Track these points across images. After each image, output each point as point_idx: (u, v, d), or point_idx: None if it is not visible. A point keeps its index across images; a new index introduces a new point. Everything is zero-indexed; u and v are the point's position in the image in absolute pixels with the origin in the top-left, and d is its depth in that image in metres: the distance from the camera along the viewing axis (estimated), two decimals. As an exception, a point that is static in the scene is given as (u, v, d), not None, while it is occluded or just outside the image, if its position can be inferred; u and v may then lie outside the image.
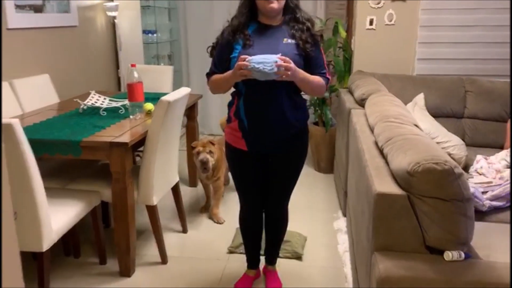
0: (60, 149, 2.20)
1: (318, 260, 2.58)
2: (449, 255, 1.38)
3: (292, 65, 1.74)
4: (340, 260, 2.56)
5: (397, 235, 1.44)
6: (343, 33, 3.89)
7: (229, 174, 3.37)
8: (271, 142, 1.95)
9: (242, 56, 1.73)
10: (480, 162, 2.57)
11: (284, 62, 1.71)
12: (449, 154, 2.81)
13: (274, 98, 1.86)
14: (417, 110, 3.16)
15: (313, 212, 3.23)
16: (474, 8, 3.52)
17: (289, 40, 1.87)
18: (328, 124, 3.87)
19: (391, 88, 3.22)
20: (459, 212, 1.37)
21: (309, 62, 1.89)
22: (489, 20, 3.52)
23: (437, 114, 3.32)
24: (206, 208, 3.23)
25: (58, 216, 2.08)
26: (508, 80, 3.34)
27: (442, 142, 2.84)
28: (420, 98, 3.25)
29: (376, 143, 1.95)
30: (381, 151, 1.83)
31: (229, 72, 1.84)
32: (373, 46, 3.69)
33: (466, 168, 2.79)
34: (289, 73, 1.72)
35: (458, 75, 3.53)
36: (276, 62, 1.68)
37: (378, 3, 3.59)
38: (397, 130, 1.81)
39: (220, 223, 3.02)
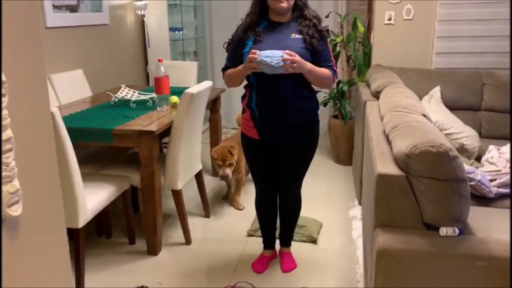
0: (94, 137, 2.42)
1: (332, 244, 2.72)
2: (444, 230, 1.50)
3: (298, 58, 1.89)
4: (354, 244, 2.69)
5: (397, 212, 1.57)
6: (361, 28, 3.99)
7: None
8: (279, 131, 2.11)
9: (252, 50, 1.89)
10: (492, 152, 2.64)
11: (290, 56, 1.87)
12: (463, 145, 2.89)
13: (282, 90, 2.02)
14: (433, 103, 3.24)
15: (330, 201, 3.37)
16: (492, 2, 3.55)
17: (297, 35, 2.02)
18: (347, 117, 3.98)
19: (408, 81, 3.31)
20: (453, 191, 1.49)
21: (316, 55, 2.04)
22: (507, 13, 3.54)
23: (454, 106, 3.38)
24: (227, 196, 3.41)
25: (92, 197, 2.30)
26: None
27: (456, 133, 2.91)
28: (436, 91, 3.32)
29: (384, 131, 2.07)
30: (387, 138, 1.95)
31: (241, 65, 2.01)
32: (391, 40, 3.77)
33: (479, 158, 2.86)
34: (294, 65, 1.88)
35: (476, 68, 3.58)
36: (282, 57, 1.84)
37: (397, -1, 3.67)
38: (403, 119, 1.93)
39: (240, 209, 3.20)
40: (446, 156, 1.47)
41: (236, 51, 2.09)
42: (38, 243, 1.02)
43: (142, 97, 3.07)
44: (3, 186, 0.85)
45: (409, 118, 1.94)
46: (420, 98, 3.07)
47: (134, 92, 3.17)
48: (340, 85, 4.00)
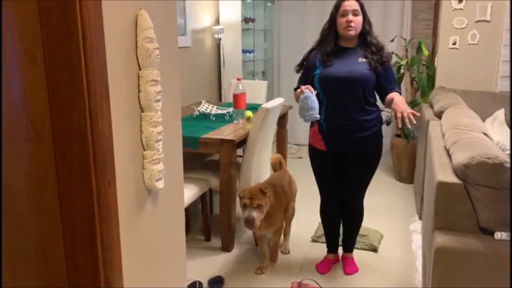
0: (183, 143, 2.78)
1: (392, 253, 2.88)
2: (498, 234, 1.66)
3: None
4: (413, 255, 2.84)
5: (455, 217, 1.75)
6: (425, 52, 4.15)
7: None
8: (345, 143, 2.38)
9: (309, 88, 2.21)
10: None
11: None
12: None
13: (349, 107, 2.31)
14: (496, 124, 3.33)
15: (391, 215, 3.52)
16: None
17: (363, 60, 2.32)
18: (410, 136, 4.12)
19: (471, 103, 3.42)
20: (507, 199, 1.65)
21: (379, 78, 2.33)
22: None
23: (519, 129, 3.44)
24: (262, 270, 2.68)
25: (179, 195, 2.65)
26: None
27: (518, 154, 2.99)
28: (500, 113, 3.41)
29: (445, 147, 2.25)
30: (448, 152, 2.13)
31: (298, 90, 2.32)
32: (455, 64, 3.90)
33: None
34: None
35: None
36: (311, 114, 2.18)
37: (462, 24, 3.81)
38: (464, 135, 2.11)
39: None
40: (502, 167, 1.65)
41: (309, 72, 2.41)
42: (169, 212, 1.34)
43: (220, 111, 3.43)
44: (154, 166, 1.18)
45: (469, 135, 2.12)
46: (484, 119, 3.18)
47: (213, 106, 3.55)
48: (403, 105, 4.15)
